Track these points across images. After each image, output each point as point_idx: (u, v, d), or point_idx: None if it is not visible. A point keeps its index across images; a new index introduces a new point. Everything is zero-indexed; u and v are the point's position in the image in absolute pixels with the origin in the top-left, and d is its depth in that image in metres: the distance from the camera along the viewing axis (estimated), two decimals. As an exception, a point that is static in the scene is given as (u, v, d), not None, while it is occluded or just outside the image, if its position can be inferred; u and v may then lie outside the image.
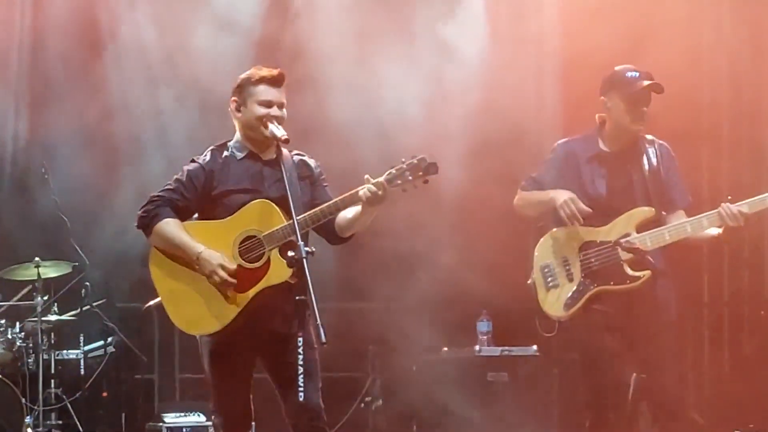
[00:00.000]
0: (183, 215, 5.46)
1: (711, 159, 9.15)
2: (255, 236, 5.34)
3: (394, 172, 5.21)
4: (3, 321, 8.59)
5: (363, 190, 5.23)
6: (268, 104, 5.45)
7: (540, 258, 6.05)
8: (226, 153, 5.54)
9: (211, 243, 5.38)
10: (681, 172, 6.08)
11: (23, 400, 8.24)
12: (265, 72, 5.49)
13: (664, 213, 5.93)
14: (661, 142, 6.07)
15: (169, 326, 5.55)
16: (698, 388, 9.03)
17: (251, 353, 5.47)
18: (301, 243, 5.06)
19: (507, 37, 8.89)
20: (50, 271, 8.71)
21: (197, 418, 8.43)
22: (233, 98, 5.53)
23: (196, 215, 5.53)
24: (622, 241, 5.85)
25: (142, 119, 9.14)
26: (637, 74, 5.93)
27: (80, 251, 8.71)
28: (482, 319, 8.66)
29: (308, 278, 4.97)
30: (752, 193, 5.80)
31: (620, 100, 5.92)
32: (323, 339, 4.88)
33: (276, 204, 5.35)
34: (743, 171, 8.77)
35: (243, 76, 5.52)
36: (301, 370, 5.06)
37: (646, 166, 5.96)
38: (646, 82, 5.88)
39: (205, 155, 5.55)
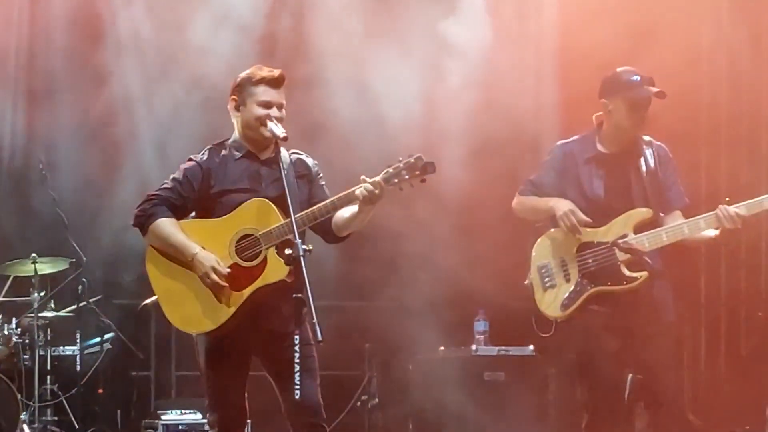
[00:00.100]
0: (180, 214, 5.45)
1: (710, 160, 9.14)
2: (252, 235, 5.34)
3: (391, 171, 5.21)
4: (0, 316, 8.59)
5: (360, 189, 5.23)
6: (268, 105, 5.44)
7: (537, 258, 6.06)
8: (224, 152, 5.53)
9: (207, 241, 5.38)
10: (679, 173, 6.08)
11: (19, 396, 8.23)
12: (266, 72, 5.48)
13: (661, 214, 5.93)
14: (658, 143, 6.07)
15: (165, 324, 5.54)
16: (695, 389, 9.02)
17: (247, 351, 5.48)
18: (298, 241, 5.07)
19: (507, 37, 8.88)
20: (47, 267, 8.71)
21: (193, 416, 8.42)
22: (232, 97, 5.52)
23: (193, 213, 5.52)
24: (620, 241, 5.84)
25: (142, 116, 9.13)
26: (639, 78, 5.91)
27: (77, 248, 8.71)
28: (479, 318, 8.65)
29: (305, 276, 4.97)
30: (751, 195, 5.79)
31: (622, 104, 5.90)
32: (319, 337, 4.91)
33: (273, 203, 5.35)
34: (742, 172, 8.77)
35: (243, 75, 5.51)
36: (297, 368, 5.06)
37: (644, 168, 5.95)
38: (650, 89, 5.87)
39: (203, 154, 5.55)
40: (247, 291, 5.31)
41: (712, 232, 5.82)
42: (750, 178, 8.53)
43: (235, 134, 5.56)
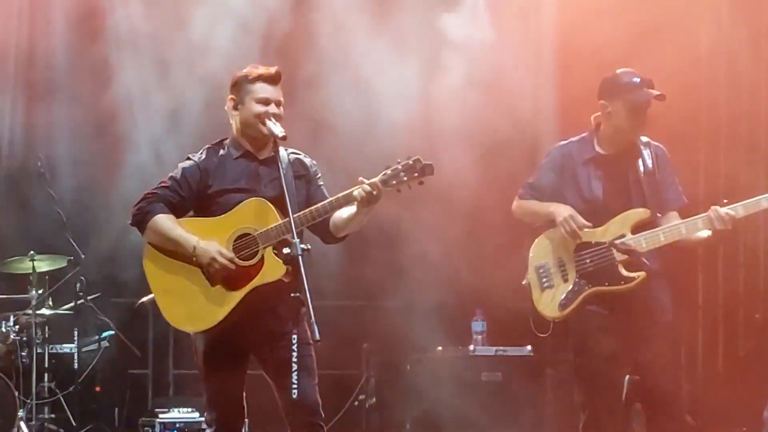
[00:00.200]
0: (177, 212, 5.45)
1: (708, 160, 9.14)
2: (250, 234, 5.34)
3: (389, 172, 5.22)
4: (-3, 314, 8.61)
5: (358, 191, 5.23)
6: (266, 102, 5.44)
7: (535, 258, 6.05)
8: (222, 151, 5.53)
9: (205, 239, 5.37)
10: (677, 174, 6.07)
11: (16, 394, 8.24)
12: (262, 70, 5.49)
13: (659, 215, 5.92)
14: (656, 143, 6.06)
15: (163, 322, 5.54)
16: (692, 390, 9.01)
17: (245, 350, 5.48)
18: (296, 240, 5.07)
19: (507, 38, 8.88)
20: (45, 264, 8.71)
21: (191, 414, 8.44)
22: (230, 96, 5.53)
23: (191, 213, 5.52)
24: (617, 242, 5.84)
25: (142, 114, 9.12)
26: (639, 80, 5.90)
27: (76, 246, 8.70)
28: (477, 318, 8.66)
29: (303, 276, 4.97)
30: (749, 195, 5.79)
31: (621, 107, 5.89)
32: (317, 337, 4.92)
33: (272, 202, 5.35)
34: (740, 172, 8.76)
35: (239, 73, 5.52)
36: (295, 367, 5.07)
37: (642, 168, 5.94)
38: (650, 91, 5.85)
39: (201, 153, 5.55)
40: (245, 290, 5.30)
41: (707, 233, 5.82)
42: (749, 179, 8.52)
43: (234, 134, 5.56)
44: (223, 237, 5.37)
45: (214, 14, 8.77)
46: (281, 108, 5.48)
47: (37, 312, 8.57)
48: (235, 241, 5.35)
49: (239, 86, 5.49)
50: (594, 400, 5.94)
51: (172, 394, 9.51)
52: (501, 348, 8.41)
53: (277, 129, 5.35)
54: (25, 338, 8.55)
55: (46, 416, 8.63)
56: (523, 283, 6.07)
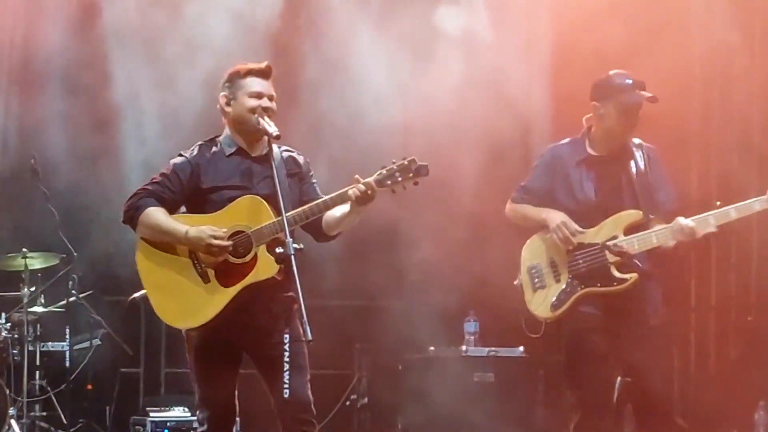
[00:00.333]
0: (168, 208, 5.43)
1: (700, 162, 9.15)
2: (243, 231, 5.33)
3: (384, 172, 5.22)
4: (-12, 311, 8.59)
5: (352, 190, 5.23)
6: (259, 95, 5.44)
7: (527, 259, 6.06)
8: (214, 148, 5.53)
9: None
10: (668, 176, 6.08)
11: (7, 391, 8.22)
12: (253, 65, 5.49)
13: (651, 216, 5.93)
14: (648, 145, 6.06)
15: (155, 320, 5.52)
16: (684, 392, 9.02)
17: (237, 348, 5.47)
18: (289, 240, 5.07)
19: (508, 36, 8.89)
20: (38, 262, 8.69)
21: (182, 413, 8.43)
22: (222, 94, 5.52)
23: (183, 209, 5.51)
24: (610, 243, 5.85)
25: (137, 111, 9.10)
26: (631, 82, 5.91)
27: (68, 243, 8.69)
28: (469, 319, 8.66)
29: (296, 275, 4.97)
30: (741, 198, 5.80)
31: (613, 108, 5.90)
32: (309, 336, 4.91)
33: (265, 200, 5.34)
34: (732, 175, 8.76)
35: (230, 71, 5.52)
36: (286, 366, 5.07)
37: (634, 170, 5.95)
38: (642, 93, 5.86)
39: (193, 150, 5.54)
40: (237, 287, 5.29)
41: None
42: (740, 181, 8.53)
43: (227, 131, 5.56)
44: (216, 234, 5.36)
45: (212, 12, 8.75)
46: (274, 102, 5.47)
47: (29, 309, 8.55)
48: (228, 238, 5.34)
49: (231, 82, 5.49)
50: (586, 401, 5.95)
51: (163, 393, 9.50)
52: (493, 349, 8.41)
53: (271, 128, 5.35)
54: (16, 336, 8.52)
55: (38, 414, 8.61)
56: (515, 283, 6.08)
